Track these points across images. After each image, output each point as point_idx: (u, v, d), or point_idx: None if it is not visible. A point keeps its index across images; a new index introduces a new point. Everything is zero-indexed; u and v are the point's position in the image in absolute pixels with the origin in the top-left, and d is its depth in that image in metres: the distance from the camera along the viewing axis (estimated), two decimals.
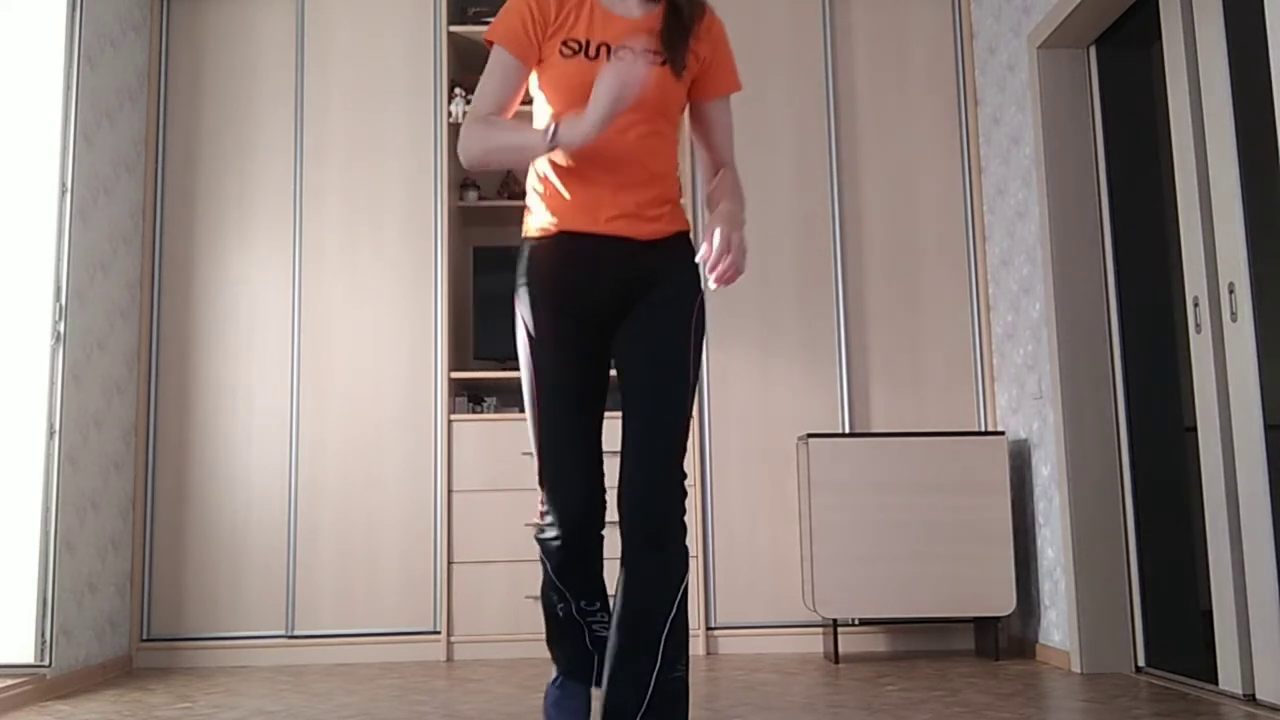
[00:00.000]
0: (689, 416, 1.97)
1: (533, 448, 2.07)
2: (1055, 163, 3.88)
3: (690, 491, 4.20)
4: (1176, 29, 3.28)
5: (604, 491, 2.07)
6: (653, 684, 1.87)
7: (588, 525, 2.04)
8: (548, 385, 2.02)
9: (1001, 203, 4.32)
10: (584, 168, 1.99)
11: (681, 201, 2.13)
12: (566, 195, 2.02)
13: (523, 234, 2.14)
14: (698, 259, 1.95)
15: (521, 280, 2.08)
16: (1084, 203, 3.86)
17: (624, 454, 1.94)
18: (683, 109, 2.11)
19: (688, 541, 1.97)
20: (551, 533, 2.06)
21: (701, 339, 2.04)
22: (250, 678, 3.84)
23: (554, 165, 2.03)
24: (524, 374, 2.05)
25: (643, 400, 1.95)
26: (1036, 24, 3.93)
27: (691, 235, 2.15)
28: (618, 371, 2.03)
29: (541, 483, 2.03)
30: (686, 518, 1.96)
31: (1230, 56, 3.07)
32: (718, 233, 1.88)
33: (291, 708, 3.22)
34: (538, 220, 2.08)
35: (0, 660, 3.54)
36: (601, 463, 2.07)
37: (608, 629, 2.05)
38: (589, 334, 2.04)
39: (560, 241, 2.03)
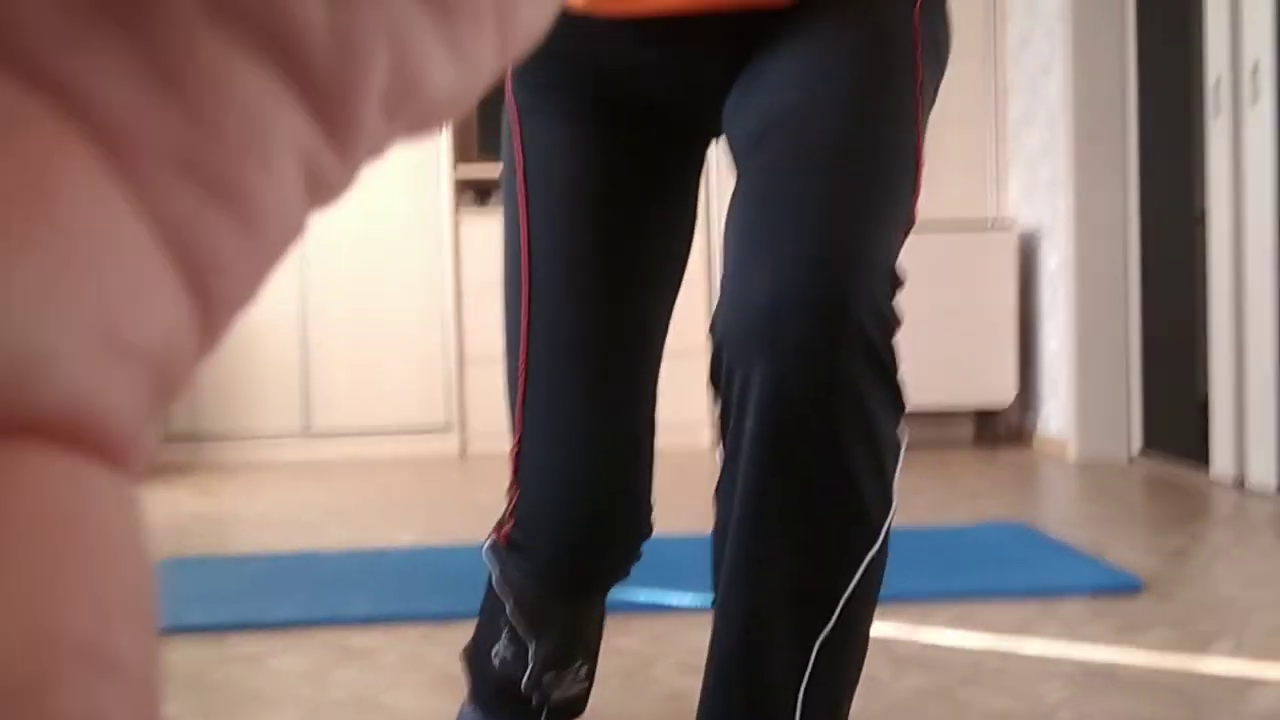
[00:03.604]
0: (909, 190, 0.92)
1: (505, 374, 1.06)
2: None
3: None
4: None
5: (647, 468, 1.06)
6: None
7: (605, 541, 1.06)
8: (542, 248, 1.02)
9: None
10: None
11: None
12: None
13: None
14: None
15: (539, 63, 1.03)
16: None
17: (724, 278, 0.90)
18: None
19: (891, 435, 0.88)
20: (525, 558, 1.07)
21: (937, 65, 0.99)
22: (269, 473, 3.97)
23: None
24: (505, 228, 1.06)
25: (777, 153, 0.90)
26: None
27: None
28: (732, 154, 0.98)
29: (515, 450, 1.04)
30: (890, 408, 0.88)
31: None
32: None
33: (312, 500, 3.34)
34: None
35: None
36: (649, 403, 1.06)
37: (582, 688, 1.16)
38: (647, 141, 1.04)
39: (603, 25, 1.00)
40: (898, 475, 0.89)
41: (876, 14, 0.96)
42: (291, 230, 0.16)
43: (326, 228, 4.29)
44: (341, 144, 0.16)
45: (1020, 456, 3.86)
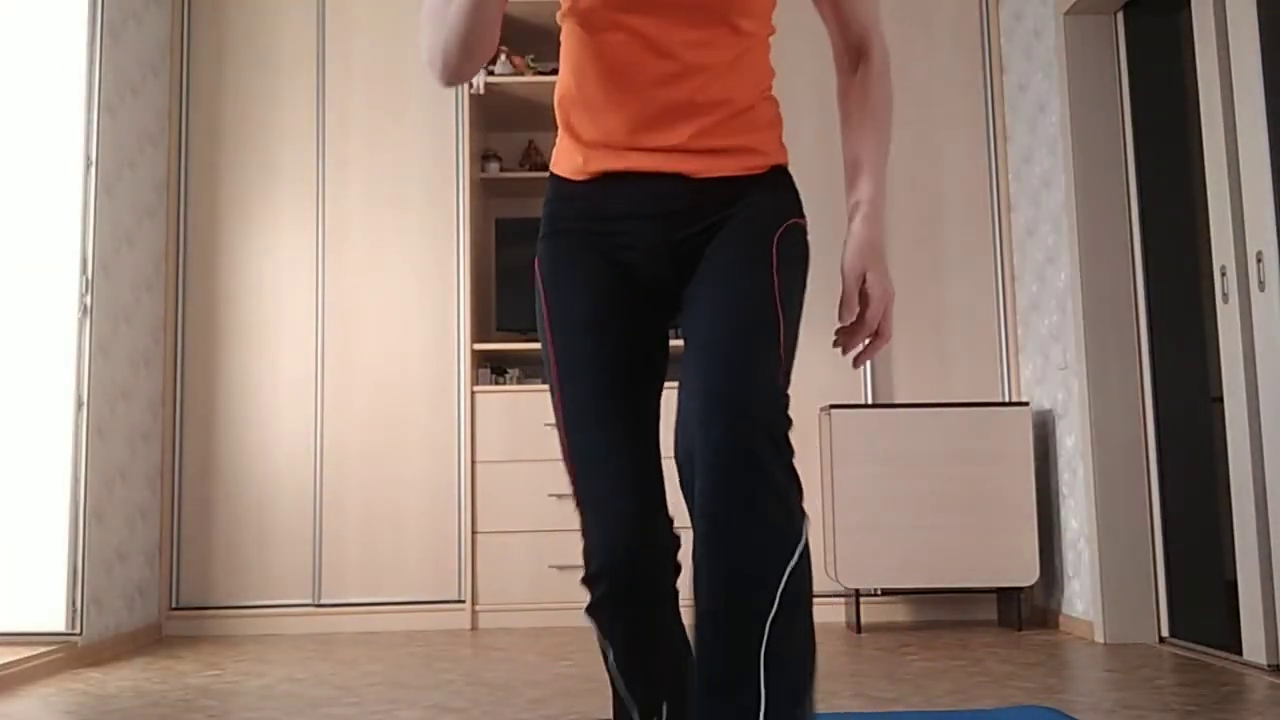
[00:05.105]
0: (777, 347, 1.36)
1: (560, 452, 1.52)
2: (1082, 130, 3.84)
3: None
4: None
5: (664, 516, 1.43)
6: None
7: (641, 565, 1.39)
8: (568, 356, 1.46)
9: (1027, 171, 4.28)
10: (604, 92, 1.47)
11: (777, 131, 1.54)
12: (585, 127, 1.51)
13: (550, 168, 1.61)
14: (838, 323, 1.20)
15: (545, 225, 1.56)
16: (1110, 171, 3.82)
17: (679, 415, 1.36)
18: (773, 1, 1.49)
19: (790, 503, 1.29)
20: (597, 588, 1.41)
21: (795, 269, 1.44)
22: (278, 646, 3.89)
23: (573, 86, 1.52)
24: (543, 352, 1.51)
25: (702, 338, 1.37)
26: None
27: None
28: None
29: (578, 506, 1.44)
30: (786, 472, 1.29)
31: (1260, 21, 3.02)
32: (854, 280, 1.37)
33: (319, 675, 3.26)
34: (565, 157, 1.55)
35: (32, 629, 3.59)
36: (659, 469, 1.45)
37: None
38: (633, 294, 1.50)
39: (591, 185, 1.50)
40: (806, 525, 1.30)
41: (759, 224, 1.45)
42: None
43: (341, 400, 4.34)
44: None
45: (1046, 638, 3.76)
